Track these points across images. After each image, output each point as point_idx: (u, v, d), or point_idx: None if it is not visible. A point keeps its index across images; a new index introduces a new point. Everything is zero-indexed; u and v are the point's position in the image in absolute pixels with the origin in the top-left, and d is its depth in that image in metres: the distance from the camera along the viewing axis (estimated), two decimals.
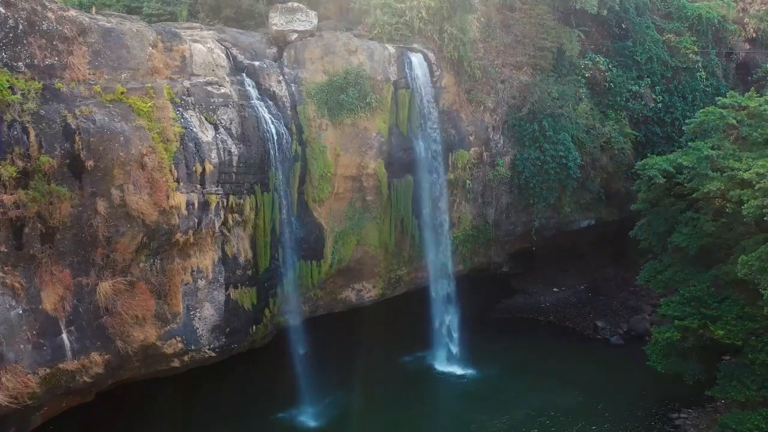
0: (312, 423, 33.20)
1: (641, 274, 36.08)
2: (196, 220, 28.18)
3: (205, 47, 30.35)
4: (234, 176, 29.87)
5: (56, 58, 24.85)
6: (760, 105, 32.72)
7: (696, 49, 45.28)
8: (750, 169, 29.15)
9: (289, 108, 32.61)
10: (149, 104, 26.51)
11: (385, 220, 36.41)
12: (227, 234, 30.26)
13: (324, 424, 33.11)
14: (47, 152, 23.52)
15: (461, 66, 37.71)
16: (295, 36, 33.71)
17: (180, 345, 28.86)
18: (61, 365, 25.02)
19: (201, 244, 29.09)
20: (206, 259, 29.50)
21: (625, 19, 43.94)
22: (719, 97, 36.59)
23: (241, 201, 30.35)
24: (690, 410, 33.67)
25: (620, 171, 43.44)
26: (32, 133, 23.28)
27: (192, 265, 28.95)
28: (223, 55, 31.11)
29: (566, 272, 48.77)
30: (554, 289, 48.03)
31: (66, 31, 25.08)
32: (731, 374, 29.44)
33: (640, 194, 36.73)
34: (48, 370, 24.66)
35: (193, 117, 28.40)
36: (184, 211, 27.44)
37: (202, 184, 28.33)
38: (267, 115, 31.30)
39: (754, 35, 48.41)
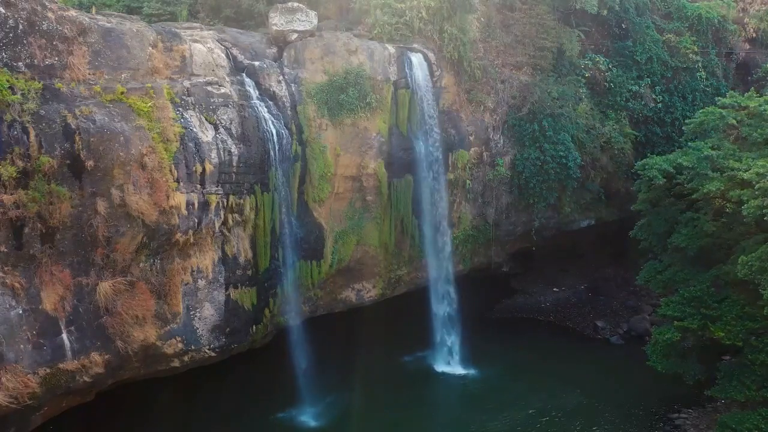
0: (312, 423, 33.18)
1: (641, 274, 36.08)
2: (196, 220, 28.18)
3: (205, 47, 30.35)
4: (234, 176, 29.87)
5: (56, 58, 24.86)
6: (760, 105, 32.74)
7: (696, 49, 45.26)
8: (750, 169, 29.13)
9: (289, 108, 32.60)
10: (149, 104, 26.51)
11: (385, 220, 36.41)
12: (227, 234, 30.26)
13: (324, 424, 33.10)
14: (47, 152, 23.52)
15: (461, 66, 37.70)
16: (295, 36, 33.71)
17: (180, 345, 28.86)
18: (61, 365, 25.02)
19: (201, 244, 29.09)
20: (206, 259, 29.50)
21: (625, 19, 43.92)
22: (719, 97, 36.67)
23: (241, 201, 30.35)
24: (690, 410, 33.64)
25: (620, 171, 43.43)
26: (32, 133, 23.29)
27: (192, 265, 28.95)
28: (223, 55, 31.11)
29: (566, 272, 48.77)
30: (554, 289, 48.03)
31: (66, 31, 25.08)
32: (731, 374, 29.46)
33: (640, 194, 36.74)
34: (48, 370, 24.66)
35: (193, 117, 28.41)
36: (184, 211, 27.44)
37: (202, 184, 28.34)
38: (267, 115, 31.30)
39: (754, 35, 48.38)
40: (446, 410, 34.96)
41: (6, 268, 23.43)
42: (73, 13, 25.98)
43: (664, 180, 34.28)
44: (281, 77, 32.71)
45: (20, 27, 23.85)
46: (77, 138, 24.09)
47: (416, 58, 36.05)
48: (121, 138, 25.14)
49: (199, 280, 29.34)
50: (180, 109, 27.98)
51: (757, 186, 27.99)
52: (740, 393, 28.65)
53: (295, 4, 33.78)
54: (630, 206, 38.70)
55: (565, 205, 42.18)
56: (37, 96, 23.64)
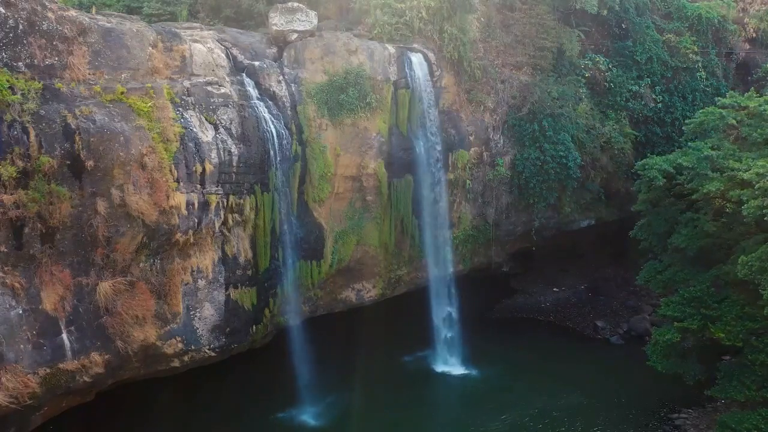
0: (312, 423, 33.19)
1: (641, 274, 36.09)
2: (196, 220, 28.18)
3: (205, 47, 30.35)
4: (234, 176, 29.87)
5: (56, 58, 24.85)
6: (760, 105, 32.74)
7: (696, 49, 45.27)
8: (750, 169, 29.13)
9: (289, 108, 32.60)
10: (149, 104, 26.51)
11: (385, 220, 36.41)
12: (227, 234, 30.26)
13: (324, 424, 33.11)
14: (47, 152, 23.52)
15: (461, 66, 37.70)
16: (295, 36, 33.71)
17: (180, 345, 28.86)
18: (61, 365, 25.02)
19: (201, 244, 29.09)
20: (206, 259, 29.50)
21: (625, 19, 43.94)
22: (719, 97, 36.69)
23: (241, 201, 30.35)
24: (690, 410, 33.66)
25: (620, 171, 43.45)
26: (32, 133, 23.29)
27: (192, 265, 28.96)
28: (223, 55, 31.11)
29: (566, 272, 48.78)
30: (554, 289, 48.04)
31: (66, 31, 25.08)
32: (731, 374, 29.48)
33: (640, 194, 36.73)
34: (48, 370, 24.66)
35: (193, 117, 28.41)
36: (184, 211, 27.44)
37: (202, 184, 28.34)
38: (267, 115, 31.30)
39: (754, 35, 48.41)
40: (446, 410, 34.96)
41: (6, 268, 23.43)
42: (73, 13, 25.98)
43: (664, 180, 34.29)
44: (281, 77, 32.71)
45: (20, 27, 23.85)
46: (77, 138, 24.09)
47: (416, 58, 36.06)
48: (121, 138, 25.14)
49: (199, 280, 29.34)
50: (180, 109, 27.98)
51: (757, 186, 28.00)
52: (740, 393, 28.68)
53: (295, 4, 33.78)
54: (630, 206, 38.73)
55: (565, 205, 42.19)
56: (37, 96, 23.64)
